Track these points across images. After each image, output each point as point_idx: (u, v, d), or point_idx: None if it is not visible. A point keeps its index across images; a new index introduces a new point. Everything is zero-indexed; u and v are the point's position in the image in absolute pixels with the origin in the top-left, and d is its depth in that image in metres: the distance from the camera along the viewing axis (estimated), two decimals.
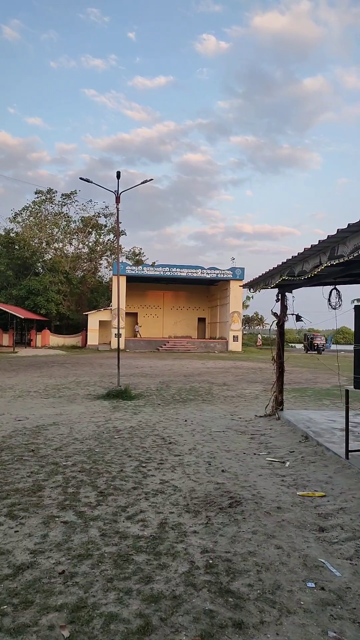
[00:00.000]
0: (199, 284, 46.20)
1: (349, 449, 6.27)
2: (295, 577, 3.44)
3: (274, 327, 10.05)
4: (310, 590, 3.26)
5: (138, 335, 44.45)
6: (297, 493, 5.21)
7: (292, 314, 9.49)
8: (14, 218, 49.57)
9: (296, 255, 6.13)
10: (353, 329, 7.92)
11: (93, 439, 7.77)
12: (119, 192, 13.73)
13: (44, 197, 49.94)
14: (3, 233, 47.38)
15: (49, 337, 42.86)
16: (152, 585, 3.32)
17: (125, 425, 8.95)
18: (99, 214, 51.40)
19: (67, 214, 51.01)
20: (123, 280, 39.17)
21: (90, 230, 51.10)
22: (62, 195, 50.30)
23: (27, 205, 50.34)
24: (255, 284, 9.28)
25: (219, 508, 4.75)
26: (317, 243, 5.28)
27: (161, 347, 40.39)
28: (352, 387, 7.74)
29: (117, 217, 13.95)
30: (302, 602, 3.11)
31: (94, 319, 41.77)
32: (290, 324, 10.04)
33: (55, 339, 43.13)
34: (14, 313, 37.07)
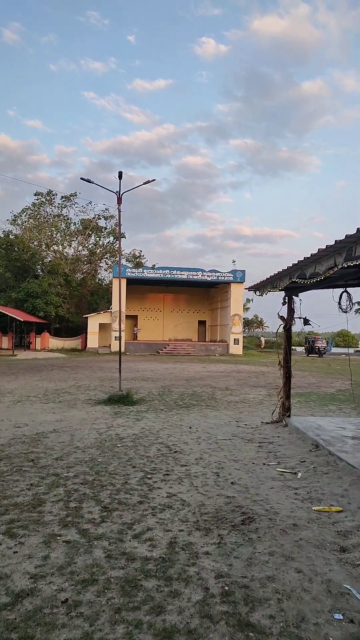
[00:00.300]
0: (200, 286, 45.92)
1: None
2: (320, 607, 3.15)
3: (281, 330, 9.75)
4: (338, 623, 2.97)
5: (136, 338, 44.17)
6: (313, 508, 4.93)
7: (300, 318, 9.22)
8: (14, 220, 49.32)
9: (309, 256, 5.86)
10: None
11: (95, 448, 7.48)
12: (121, 192, 13.47)
13: (43, 199, 49.71)
14: (2, 235, 47.11)
15: (49, 339, 42.54)
16: (164, 616, 3.02)
17: (128, 433, 8.65)
18: (98, 216, 51.20)
19: (66, 216, 50.80)
20: (123, 282, 38.87)
21: (90, 232, 50.84)
22: (62, 197, 50.10)
23: (27, 207, 50.14)
24: (262, 287, 9.01)
25: (231, 525, 4.46)
26: (333, 243, 5.00)
27: (161, 350, 40.08)
28: None
29: (119, 217, 13.68)
30: (330, 638, 2.82)
31: (93, 322, 41.47)
32: (296, 327, 9.76)
33: (54, 342, 42.81)
34: (13, 316, 36.76)
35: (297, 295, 9.47)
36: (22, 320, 37.93)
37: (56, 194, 49.98)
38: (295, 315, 9.30)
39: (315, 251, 5.71)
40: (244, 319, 50.55)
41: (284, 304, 9.58)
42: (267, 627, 2.93)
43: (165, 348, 40.53)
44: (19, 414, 10.46)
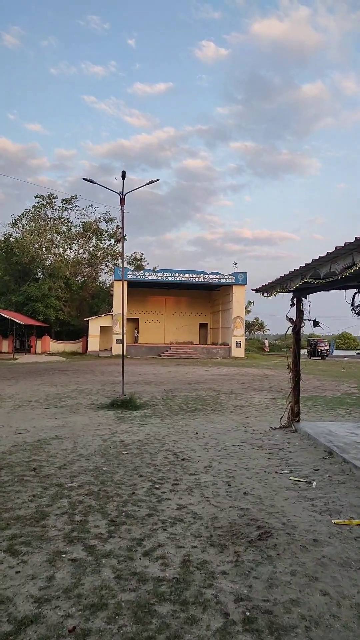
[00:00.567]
0: (201, 289, 45.65)
1: None
2: (352, 636, 2.87)
3: (290, 332, 9.49)
4: None
5: (137, 341, 43.91)
6: (332, 521, 4.65)
7: (310, 320, 8.95)
8: (14, 223, 49.10)
9: (324, 255, 5.60)
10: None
11: (99, 455, 7.20)
12: (124, 193, 13.23)
13: (44, 202, 49.46)
14: (2, 238, 46.89)
15: (49, 343, 42.27)
16: None
17: (132, 439, 8.38)
18: (99, 219, 50.96)
19: (67, 219, 50.57)
20: (125, 285, 38.63)
21: (90, 235, 50.60)
22: (63, 200, 49.86)
23: (27, 210, 49.90)
24: (271, 288, 8.75)
25: (248, 541, 4.19)
26: (353, 240, 4.74)
27: (163, 353, 39.80)
28: None
29: (122, 218, 13.43)
30: None
31: (94, 325, 41.20)
32: (305, 329, 9.49)
33: (55, 345, 42.54)
34: (13, 319, 36.50)
35: (306, 297, 9.22)
36: (23, 323, 37.66)
37: (57, 197, 49.76)
38: (304, 317, 9.03)
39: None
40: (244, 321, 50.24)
41: (292, 305, 9.32)
42: None
43: (167, 351, 40.24)
44: (20, 420, 10.18)
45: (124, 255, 13.16)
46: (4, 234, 47.93)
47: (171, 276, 40.65)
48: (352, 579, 3.55)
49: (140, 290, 44.31)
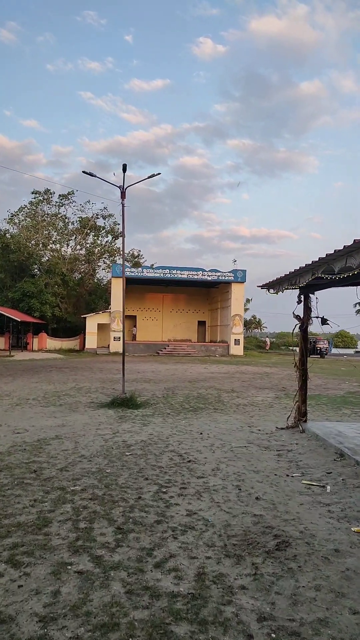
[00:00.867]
0: (199, 286, 45.37)
1: None
2: None
3: (297, 330, 9.23)
4: None
5: (135, 339, 43.64)
6: (352, 529, 4.40)
7: (317, 317, 8.69)
8: (11, 219, 48.62)
9: (340, 248, 5.34)
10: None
11: (102, 457, 6.93)
12: (124, 187, 12.93)
13: (40, 198, 49.00)
14: None
15: (46, 340, 41.91)
16: None
17: (135, 439, 8.11)
18: (97, 215, 50.52)
19: (64, 215, 50.11)
20: (124, 281, 38.32)
21: (88, 231, 50.18)
22: (60, 196, 49.37)
23: (24, 206, 49.43)
24: (278, 284, 8.49)
25: (265, 551, 3.93)
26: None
27: (161, 350, 39.52)
28: None
29: (122, 212, 13.12)
30: None
31: (92, 322, 40.87)
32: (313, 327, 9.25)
33: (52, 342, 42.18)
34: (10, 316, 36.10)
35: (313, 294, 8.96)
36: (19, 320, 37.28)
37: (53, 193, 49.28)
38: (312, 315, 8.78)
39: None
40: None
41: (299, 302, 9.06)
42: None
43: (165, 349, 39.97)
44: (18, 419, 9.90)
45: (124, 250, 12.84)
46: (0, 230, 47.47)
47: (169, 273, 40.35)
48: None
49: (138, 287, 43.98)
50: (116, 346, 38.16)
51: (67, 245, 50.50)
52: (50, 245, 48.86)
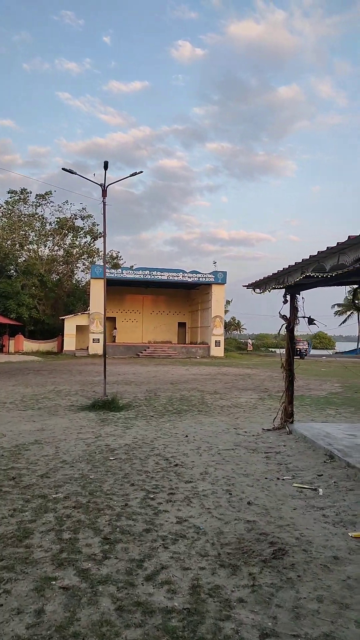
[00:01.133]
0: (179, 288, 45.20)
1: None
2: None
3: (283, 331, 9.11)
4: None
5: (114, 340, 43.20)
6: (350, 534, 4.25)
7: (304, 317, 8.59)
8: None
9: (333, 245, 5.21)
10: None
11: (85, 462, 6.64)
12: (106, 185, 12.65)
13: (17, 197, 48.07)
14: None
15: (23, 342, 41.06)
16: None
17: (119, 443, 7.84)
18: (75, 215, 49.83)
19: (42, 215, 49.27)
20: (105, 282, 37.85)
21: (66, 232, 49.46)
22: (37, 195, 48.54)
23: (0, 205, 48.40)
24: (265, 284, 8.35)
25: (262, 560, 3.74)
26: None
27: (141, 352, 39.18)
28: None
29: (104, 211, 12.82)
30: None
31: (70, 324, 40.23)
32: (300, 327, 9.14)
33: (29, 345, 41.35)
34: None
35: (299, 293, 8.86)
36: None
37: (30, 192, 48.41)
38: (299, 315, 8.67)
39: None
40: None
41: (285, 302, 8.95)
42: None
43: (145, 350, 39.65)
44: None
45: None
46: None
47: (150, 274, 40.07)
48: None
49: (117, 288, 43.52)
50: (95, 348, 37.66)
51: (45, 245, 49.70)
52: (27, 246, 47.99)
